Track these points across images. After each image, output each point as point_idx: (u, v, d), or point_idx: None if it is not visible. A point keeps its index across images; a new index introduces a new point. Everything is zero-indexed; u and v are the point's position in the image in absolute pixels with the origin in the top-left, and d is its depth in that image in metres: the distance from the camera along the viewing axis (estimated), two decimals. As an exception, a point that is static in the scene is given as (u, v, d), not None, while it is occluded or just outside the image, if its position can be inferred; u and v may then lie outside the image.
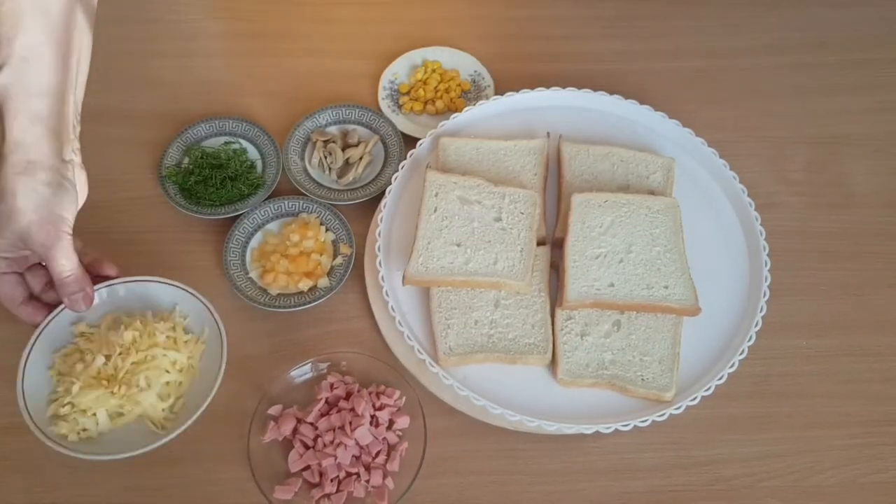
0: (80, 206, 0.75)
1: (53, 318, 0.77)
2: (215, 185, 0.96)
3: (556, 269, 0.90)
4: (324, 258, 0.92)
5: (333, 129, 1.05)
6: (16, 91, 0.69)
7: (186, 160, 1.00)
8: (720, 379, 0.82)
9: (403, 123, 1.05)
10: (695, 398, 0.81)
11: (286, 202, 0.96)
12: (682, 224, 0.90)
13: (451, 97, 1.08)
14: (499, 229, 0.89)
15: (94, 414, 0.73)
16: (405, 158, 0.97)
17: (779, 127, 1.08)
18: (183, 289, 0.82)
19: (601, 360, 0.84)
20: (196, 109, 1.05)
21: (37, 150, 0.69)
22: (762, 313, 0.86)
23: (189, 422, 0.73)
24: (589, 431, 0.80)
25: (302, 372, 0.85)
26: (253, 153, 1.02)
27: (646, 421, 0.80)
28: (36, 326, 0.77)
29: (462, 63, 1.12)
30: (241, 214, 0.95)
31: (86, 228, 0.95)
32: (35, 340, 0.76)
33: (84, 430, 0.74)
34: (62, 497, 0.80)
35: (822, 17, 1.20)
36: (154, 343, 0.77)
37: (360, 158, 1.01)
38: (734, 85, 1.13)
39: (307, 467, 0.80)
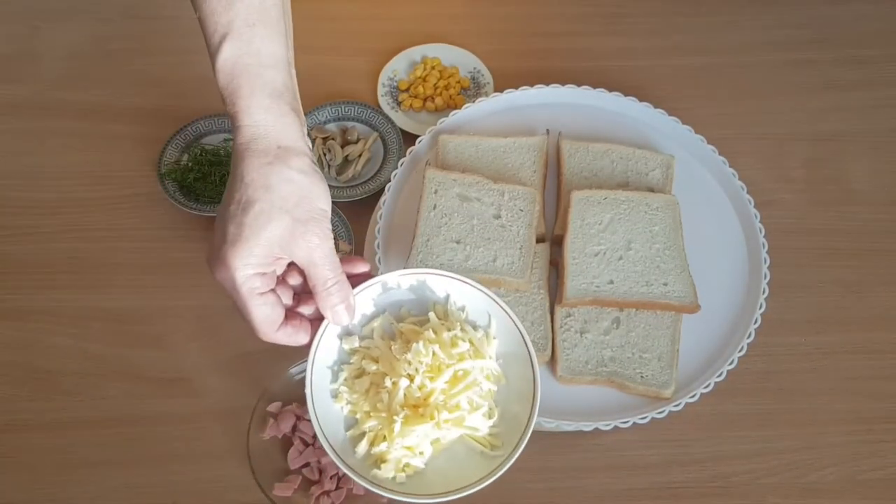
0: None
1: (320, 340, 0.63)
2: (214, 183, 0.96)
3: (556, 267, 0.90)
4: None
5: (333, 127, 1.05)
6: (247, 63, 0.57)
7: (186, 157, 1.00)
8: (720, 376, 0.82)
9: (403, 120, 1.05)
10: (694, 395, 0.81)
11: None
12: (682, 221, 0.90)
13: (451, 94, 1.08)
14: (498, 226, 0.89)
15: (421, 450, 0.62)
16: (404, 155, 0.97)
17: (778, 124, 1.08)
18: (455, 278, 0.66)
19: (600, 357, 0.84)
20: (196, 106, 1.05)
21: (284, 131, 0.57)
22: (761, 310, 0.86)
23: (525, 436, 0.62)
24: (588, 429, 0.80)
25: (301, 369, 0.85)
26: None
27: (645, 418, 0.80)
28: (298, 345, 0.62)
29: (461, 60, 1.12)
30: None
31: (86, 225, 0.96)
32: (311, 371, 0.62)
33: (408, 465, 0.62)
34: (62, 495, 0.81)
35: (822, 14, 1.20)
36: (461, 355, 0.63)
37: (360, 155, 1.01)
38: (734, 82, 1.13)
39: (307, 464, 0.80)
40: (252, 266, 0.56)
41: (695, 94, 1.10)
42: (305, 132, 0.60)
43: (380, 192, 0.95)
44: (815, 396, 0.88)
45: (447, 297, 0.66)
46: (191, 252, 0.95)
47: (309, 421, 0.80)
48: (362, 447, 0.62)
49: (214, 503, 0.81)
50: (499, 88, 1.05)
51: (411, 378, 0.62)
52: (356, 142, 1.02)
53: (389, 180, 0.94)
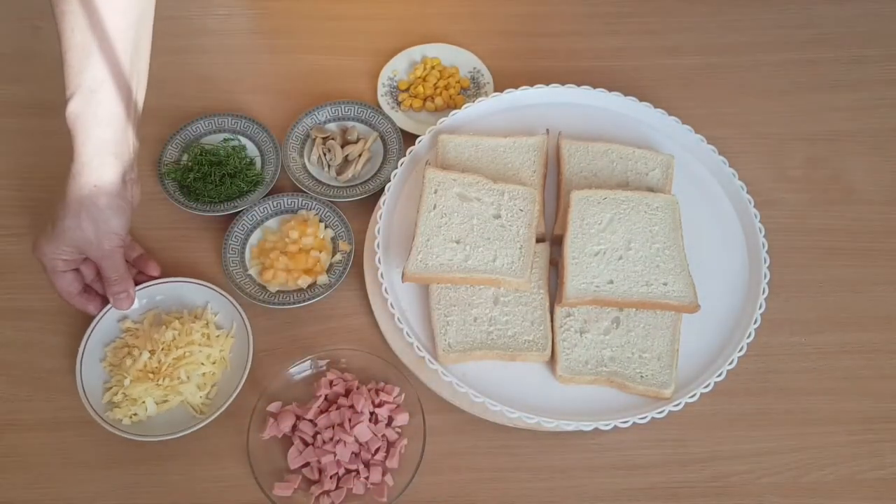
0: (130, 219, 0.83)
1: (102, 317, 0.87)
2: (214, 182, 0.96)
3: (556, 266, 0.90)
4: (323, 255, 0.93)
5: (332, 126, 1.05)
6: (85, 119, 0.75)
7: (185, 157, 1.00)
8: (719, 376, 0.82)
9: (402, 120, 1.05)
10: (694, 395, 0.81)
11: (285, 199, 0.96)
12: (682, 221, 0.90)
13: (451, 94, 1.08)
14: (498, 226, 0.89)
15: (144, 402, 0.82)
16: (404, 155, 0.97)
17: (778, 124, 1.08)
18: (213, 289, 0.89)
19: (600, 356, 0.84)
20: (196, 106, 1.05)
21: (101, 175, 0.77)
22: (761, 310, 0.86)
23: (223, 406, 0.81)
24: (588, 428, 0.80)
25: (301, 369, 0.85)
26: (252, 150, 1.02)
27: (645, 418, 0.80)
28: (88, 313, 0.87)
29: (461, 60, 1.12)
30: (240, 211, 0.95)
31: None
32: (88, 337, 0.85)
33: (135, 415, 0.82)
34: (62, 493, 0.81)
35: (821, 14, 1.20)
36: (191, 341, 0.85)
37: (360, 155, 1.01)
38: (733, 82, 1.13)
39: (306, 464, 0.80)
40: (56, 254, 0.81)
41: (695, 94, 1.10)
42: (130, 167, 0.80)
43: (380, 192, 0.95)
44: (815, 396, 0.88)
45: (207, 303, 0.90)
46: (191, 252, 0.95)
47: (309, 421, 0.81)
48: (107, 396, 0.83)
49: (214, 503, 0.81)
50: (499, 88, 1.05)
51: (152, 352, 0.83)
52: (356, 142, 1.02)
53: (389, 180, 0.94)
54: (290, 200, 0.96)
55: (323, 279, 0.91)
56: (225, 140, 1.02)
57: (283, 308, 0.90)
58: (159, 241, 0.95)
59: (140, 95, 0.81)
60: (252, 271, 0.92)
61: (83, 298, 0.86)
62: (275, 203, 0.96)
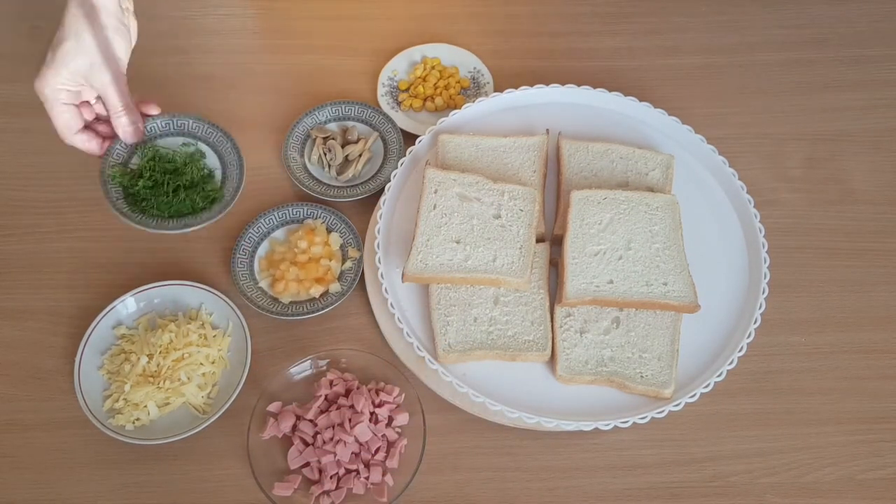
0: (131, 47, 0.83)
1: (97, 323, 0.86)
2: (166, 194, 0.87)
3: (556, 266, 0.90)
4: (333, 263, 0.92)
5: (333, 126, 1.05)
6: None
7: (135, 159, 0.89)
8: (719, 376, 0.82)
9: (403, 120, 1.05)
10: (694, 395, 0.81)
11: (290, 209, 0.95)
12: (682, 221, 0.90)
13: (451, 94, 1.08)
14: (498, 226, 0.89)
15: (146, 406, 0.82)
16: (404, 155, 0.97)
17: (778, 124, 1.08)
18: (206, 290, 0.89)
19: (600, 356, 0.84)
20: (195, 106, 1.05)
21: None
22: (761, 310, 0.86)
23: (226, 405, 0.82)
24: (588, 428, 0.80)
25: (301, 369, 0.85)
26: (212, 160, 0.91)
27: (645, 418, 0.80)
28: (89, 152, 0.86)
29: (461, 60, 1.12)
30: (246, 226, 0.93)
31: (86, 225, 0.96)
32: (84, 345, 0.85)
33: (138, 419, 0.82)
34: (63, 493, 0.81)
35: (821, 14, 1.20)
36: (189, 342, 0.85)
37: (360, 155, 1.01)
38: (733, 82, 1.13)
39: (307, 464, 0.80)
40: (59, 83, 0.78)
41: (695, 94, 1.10)
42: None
43: (380, 191, 0.95)
44: (814, 396, 0.88)
45: (201, 304, 0.89)
46: (191, 251, 0.95)
47: (309, 421, 0.81)
48: (108, 404, 0.83)
49: (214, 503, 0.81)
50: (499, 88, 1.05)
51: (150, 356, 0.83)
52: (356, 141, 1.02)
53: (389, 180, 0.94)
54: (295, 210, 0.96)
55: (335, 287, 0.91)
56: (184, 145, 0.91)
57: (298, 319, 0.90)
58: (159, 241, 0.95)
59: None
60: (263, 283, 0.92)
61: (84, 136, 0.84)
62: (280, 214, 0.95)
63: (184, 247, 0.95)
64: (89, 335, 0.85)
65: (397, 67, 1.11)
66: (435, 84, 1.08)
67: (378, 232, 0.91)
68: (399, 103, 1.08)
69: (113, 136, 0.86)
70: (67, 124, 0.82)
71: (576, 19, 1.19)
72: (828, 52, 1.16)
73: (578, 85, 1.02)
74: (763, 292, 0.87)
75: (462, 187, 0.91)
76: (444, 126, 0.99)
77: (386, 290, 0.87)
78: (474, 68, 1.11)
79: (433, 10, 1.20)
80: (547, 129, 0.99)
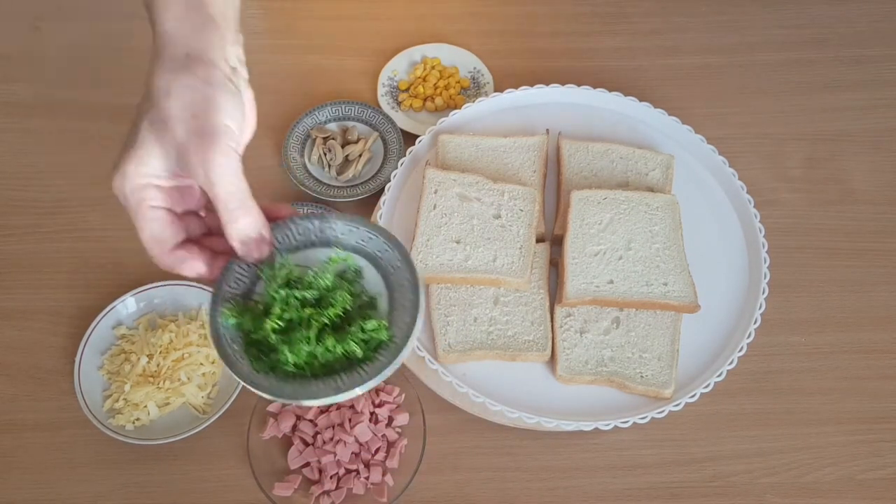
0: (249, 137, 0.57)
1: (97, 324, 0.85)
2: (307, 339, 0.56)
3: (556, 266, 0.90)
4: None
5: (333, 126, 1.05)
6: None
7: (260, 286, 0.58)
8: (719, 376, 0.82)
9: (403, 120, 1.05)
10: (694, 395, 0.81)
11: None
12: (682, 221, 0.90)
13: (451, 94, 1.08)
14: (498, 226, 0.89)
15: (146, 406, 0.82)
16: (404, 155, 0.97)
17: (778, 124, 1.08)
18: (206, 290, 0.87)
19: (600, 356, 0.84)
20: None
21: (195, 40, 0.54)
22: (761, 310, 0.86)
23: (225, 405, 0.82)
24: (588, 428, 0.80)
25: (301, 369, 0.85)
26: (372, 280, 0.60)
27: (645, 418, 0.80)
28: (183, 274, 0.56)
29: (461, 60, 1.12)
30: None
31: (86, 225, 0.96)
32: (84, 345, 0.84)
33: (138, 419, 0.82)
34: (63, 493, 0.81)
35: (821, 14, 1.20)
36: (189, 342, 0.85)
37: (360, 155, 1.01)
38: (733, 82, 1.13)
39: (307, 464, 0.80)
40: (145, 175, 0.52)
41: (695, 94, 1.10)
42: (234, 53, 0.56)
43: (380, 191, 0.95)
44: (814, 396, 0.88)
45: (200, 304, 0.88)
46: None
47: (310, 421, 0.81)
48: (108, 404, 0.82)
49: (214, 503, 0.81)
50: (499, 88, 1.05)
51: (150, 356, 0.83)
52: (356, 142, 1.02)
53: (389, 180, 0.94)
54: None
55: None
56: (331, 260, 0.60)
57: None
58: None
59: None
60: None
61: (183, 251, 0.55)
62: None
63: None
64: (89, 335, 0.85)
65: (397, 67, 1.11)
66: (435, 84, 1.08)
67: (378, 232, 0.91)
68: (399, 103, 1.08)
69: (228, 253, 0.57)
70: (158, 236, 0.54)
71: (576, 19, 1.19)
72: (828, 52, 1.16)
73: (578, 85, 1.02)
74: (763, 292, 0.87)
75: (462, 187, 0.91)
76: (444, 126, 0.99)
77: (386, 290, 0.87)
78: (474, 68, 1.11)
79: (433, 10, 1.20)
80: (547, 129, 0.99)
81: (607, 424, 0.80)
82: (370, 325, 0.56)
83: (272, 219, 0.58)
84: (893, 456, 0.84)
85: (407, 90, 1.09)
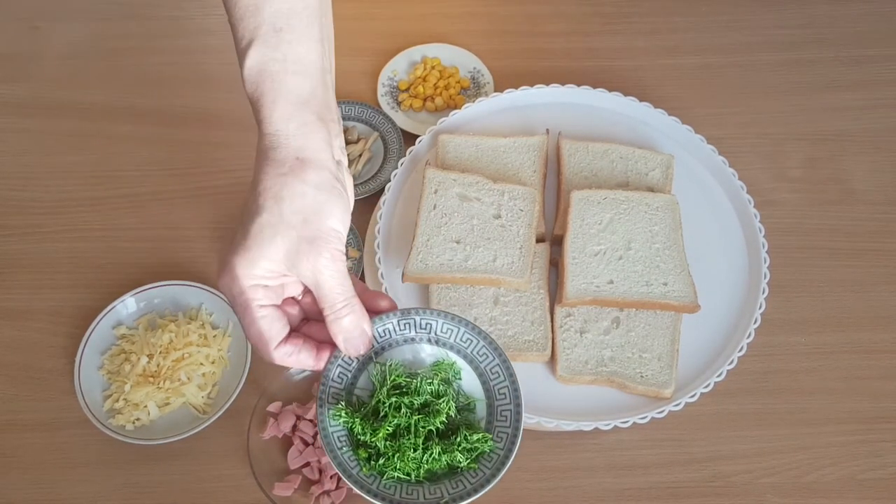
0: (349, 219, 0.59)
1: (97, 324, 0.85)
2: (413, 446, 0.57)
3: (556, 266, 0.90)
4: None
5: (333, 126, 1.05)
6: (272, 70, 0.55)
7: (363, 380, 0.61)
8: (719, 376, 0.82)
9: (403, 120, 1.05)
10: (694, 395, 0.81)
11: None
12: (682, 221, 0.90)
13: (451, 94, 1.08)
14: (498, 226, 0.89)
15: (146, 406, 0.82)
16: (404, 155, 0.97)
17: (778, 124, 1.08)
18: (206, 290, 0.88)
19: (600, 356, 0.84)
20: (196, 105, 1.05)
21: (305, 142, 0.55)
22: (761, 310, 0.86)
23: (225, 405, 0.82)
24: (588, 428, 0.80)
25: (301, 369, 0.85)
26: (468, 380, 0.61)
27: (645, 418, 0.80)
28: (292, 367, 0.62)
29: (461, 60, 1.12)
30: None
31: (86, 225, 0.96)
32: (84, 345, 0.84)
33: (138, 419, 0.82)
34: (63, 493, 0.81)
35: (821, 14, 1.20)
36: (189, 342, 0.85)
37: (360, 155, 1.01)
38: (733, 82, 1.13)
39: (307, 464, 0.80)
40: (254, 277, 0.54)
41: (695, 94, 1.10)
42: (338, 144, 0.57)
43: (380, 191, 0.95)
44: (814, 396, 0.88)
45: (201, 304, 0.88)
46: (191, 252, 0.95)
47: (310, 421, 0.81)
48: (108, 404, 0.82)
49: (214, 503, 0.81)
50: (499, 88, 1.05)
51: (150, 356, 0.83)
52: (356, 142, 1.02)
53: (389, 180, 0.94)
54: None
55: None
56: (435, 365, 0.61)
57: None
58: (159, 242, 0.95)
59: (331, 51, 0.61)
60: None
61: (292, 346, 0.58)
62: None
63: (184, 247, 0.95)
64: (89, 335, 0.85)
65: (397, 67, 1.11)
66: (435, 84, 1.08)
67: (378, 232, 0.91)
68: (399, 103, 1.08)
69: (328, 343, 0.59)
70: (268, 334, 0.56)
71: (576, 19, 1.19)
72: (828, 52, 1.16)
73: (578, 85, 1.02)
74: (763, 292, 0.87)
75: (462, 187, 0.91)
76: (444, 126, 0.99)
77: (386, 290, 0.87)
78: (474, 68, 1.11)
79: (433, 10, 1.20)
80: (547, 129, 0.99)
81: (607, 424, 0.80)
82: (475, 436, 0.58)
83: (373, 312, 0.60)
84: (893, 456, 0.84)
85: (407, 90, 1.09)
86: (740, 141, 1.05)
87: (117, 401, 0.82)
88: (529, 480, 0.82)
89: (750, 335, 0.84)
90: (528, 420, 0.80)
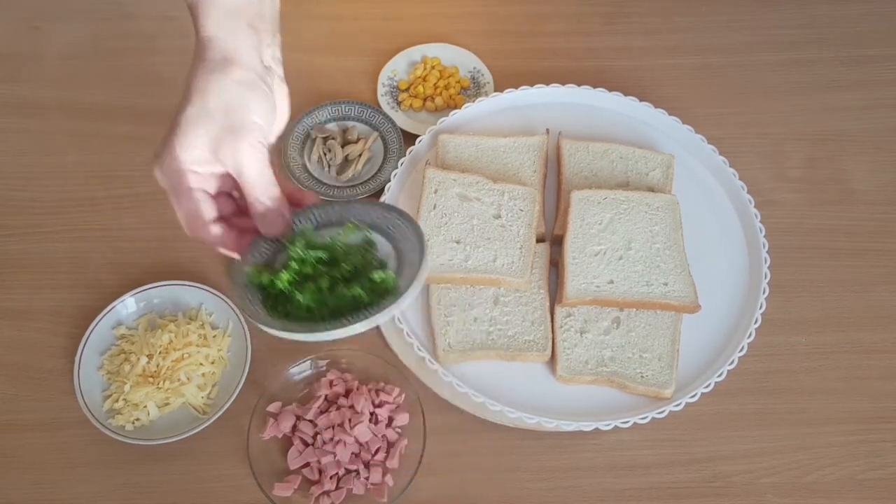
0: (281, 127, 0.66)
1: (96, 325, 0.85)
2: (319, 289, 0.63)
3: (556, 266, 0.90)
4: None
5: (333, 126, 1.05)
6: None
7: (283, 258, 0.66)
8: (720, 376, 0.82)
9: (403, 120, 1.05)
10: (694, 395, 0.81)
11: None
12: (682, 221, 0.90)
13: (451, 94, 1.08)
14: (498, 226, 0.89)
15: (146, 407, 0.82)
16: (404, 155, 0.97)
17: (778, 124, 1.08)
18: (206, 290, 0.88)
19: (600, 357, 0.84)
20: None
21: (232, 44, 0.61)
22: (762, 310, 0.86)
23: (225, 406, 0.81)
24: (588, 428, 0.80)
25: (301, 369, 0.85)
26: (385, 249, 0.67)
27: (645, 418, 0.80)
28: (219, 249, 0.64)
29: (461, 60, 1.12)
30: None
31: (86, 225, 0.96)
32: (83, 345, 0.84)
33: (137, 420, 0.82)
34: (63, 493, 0.81)
35: (821, 14, 1.20)
36: (188, 342, 0.85)
37: (360, 155, 1.01)
38: (733, 82, 1.13)
39: (307, 464, 0.80)
40: (185, 161, 0.59)
41: (695, 94, 1.10)
42: (269, 52, 0.63)
43: (380, 191, 0.95)
44: (815, 396, 0.88)
45: (201, 304, 0.88)
46: (191, 252, 0.95)
47: (310, 421, 0.81)
48: (108, 404, 0.82)
49: (214, 503, 0.81)
50: (499, 88, 1.05)
51: (150, 356, 0.83)
52: (356, 141, 1.02)
53: (389, 180, 0.94)
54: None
55: None
56: (349, 225, 0.68)
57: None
58: (159, 242, 0.95)
59: None
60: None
61: (217, 227, 0.63)
62: None
63: (184, 247, 0.95)
64: (89, 335, 0.85)
65: (397, 67, 1.11)
66: (435, 84, 1.08)
67: (378, 232, 0.91)
68: (399, 103, 1.08)
69: (253, 231, 0.65)
70: (194, 212, 0.61)
71: (576, 19, 1.19)
72: (828, 52, 1.16)
73: (578, 85, 1.02)
74: (763, 292, 0.87)
75: (462, 187, 0.91)
76: (444, 126, 0.99)
77: (386, 290, 0.87)
78: (474, 68, 1.11)
79: (433, 10, 1.20)
80: (547, 129, 0.99)
81: (607, 424, 0.80)
82: (377, 275, 0.63)
83: (298, 204, 0.67)
84: (893, 456, 0.84)
85: (407, 90, 1.09)
86: (740, 141, 1.05)
87: (117, 401, 0.82)
88: (529, 480, 0.82)
89: (750, 335, 0.84)
90: (528, 420, 0.80)
